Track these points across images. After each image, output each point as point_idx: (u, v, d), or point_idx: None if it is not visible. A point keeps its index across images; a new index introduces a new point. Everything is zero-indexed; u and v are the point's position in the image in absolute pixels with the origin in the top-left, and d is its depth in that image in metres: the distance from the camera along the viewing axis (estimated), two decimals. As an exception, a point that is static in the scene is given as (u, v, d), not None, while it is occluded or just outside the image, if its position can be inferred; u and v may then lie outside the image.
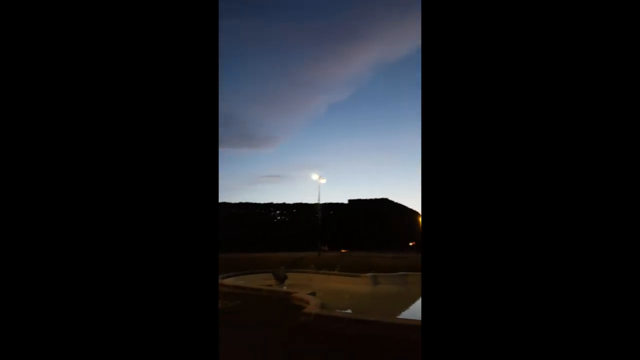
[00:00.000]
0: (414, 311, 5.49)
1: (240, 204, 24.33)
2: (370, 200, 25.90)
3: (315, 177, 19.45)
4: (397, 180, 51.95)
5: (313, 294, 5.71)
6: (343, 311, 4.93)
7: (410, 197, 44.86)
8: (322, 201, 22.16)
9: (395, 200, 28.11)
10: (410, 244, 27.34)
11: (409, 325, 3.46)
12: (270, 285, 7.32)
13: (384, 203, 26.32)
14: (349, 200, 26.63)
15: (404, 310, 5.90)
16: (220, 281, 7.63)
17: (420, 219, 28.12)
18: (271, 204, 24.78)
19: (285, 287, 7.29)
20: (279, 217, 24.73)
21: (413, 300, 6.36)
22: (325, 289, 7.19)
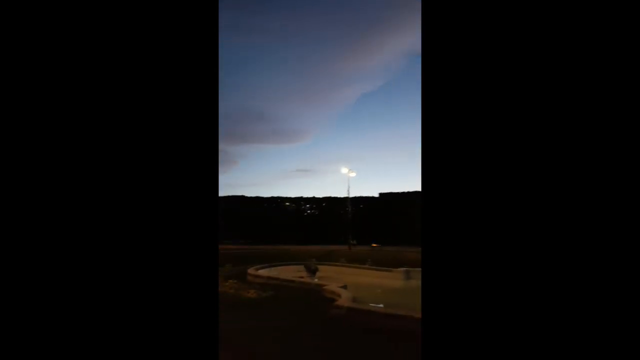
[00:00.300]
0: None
1: (272, 198, 24.94)
2: (402, 193, 25.30)
3: (344, 170, 19.42)
4: (430, 172, 49.77)
5: (344, 287, 5.75)
6: (375, 305, 4.92)
7: (444, 190, 42.83)
8: (352, 195, 22.06)
9: (428, 194, 26.91)
10: (444, 238, 26.18)
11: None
12: (302, 277, 7.48)
13: (417, 196, 25.57)
14: (380, 194, 26.23)
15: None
16: (254, 272, 7.95)
17: (455, 213, 26.74)
18: (301, 197, 25.13)
19: (316, 280, 7.41)
20: (308, 211, 25.04)
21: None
22: (356, 283, 7.20)
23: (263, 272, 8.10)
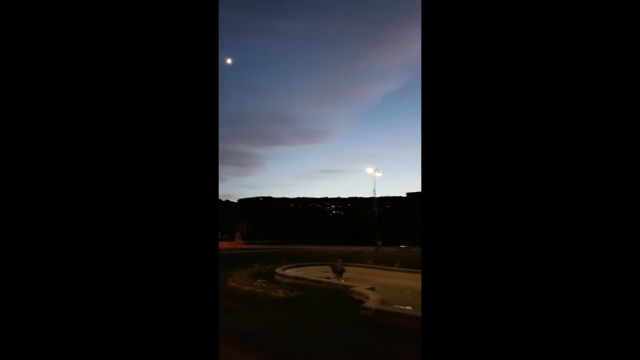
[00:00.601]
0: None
1: (298, 198, 25.22)
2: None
3: (370, 170, 19.20)
4: (460, 171, 47.78)
5: (372, 288, 5.68)
6: (403, 307, 4.82)
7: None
8: (378, 195, 21.74)
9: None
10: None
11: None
12: (329, 278, 7.49)
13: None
14: (408, 194, 25.60)
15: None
16: (281, 272, 8.07)
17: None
18: (326, 198, 25.17)
19: (343, 281, 7.39)
20: (334, 212, 25.00)
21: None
22: (384, 284, 7.09)
23: (290, 272, 8.21)
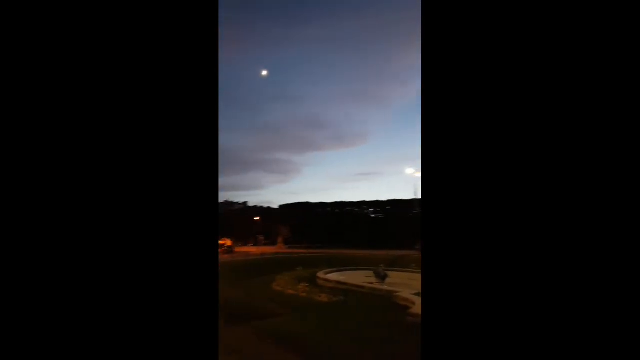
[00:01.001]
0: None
1: (335, 203, 25.26)
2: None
3: (409, 171, 18.64)
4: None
5: (418, 294, 5.49)
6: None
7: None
8: (419, 196, 21.00)
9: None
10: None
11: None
12: (372, 283, 7.39)
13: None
14: (449, 195, 24.29)
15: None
16: (323, 276, 8.14)
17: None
18: (363, 201, 24.89)
19: (386, 286, 7.24)
20: (372, 215, 24.60)
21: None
22: (430, 290, 6.80)
23: (332, 276, 8.24)
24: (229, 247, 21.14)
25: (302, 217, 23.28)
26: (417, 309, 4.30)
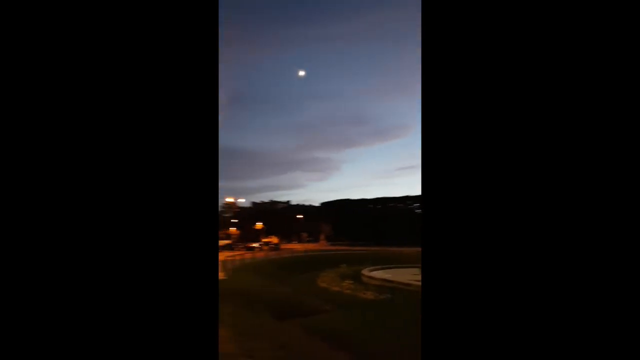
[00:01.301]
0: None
1: (377, 198, 24.84)
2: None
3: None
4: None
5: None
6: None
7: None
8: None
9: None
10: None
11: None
12: (419, 281, 7.15)
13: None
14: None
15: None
16: (368, 273, 8.06)
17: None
18: (407, 196, 24.10)
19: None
20: (417, 210, 23.72)
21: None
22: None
23: (376, 273, 8.14)
24: (275, 244, 21.98)
25: (343, 213, 23.27)
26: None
